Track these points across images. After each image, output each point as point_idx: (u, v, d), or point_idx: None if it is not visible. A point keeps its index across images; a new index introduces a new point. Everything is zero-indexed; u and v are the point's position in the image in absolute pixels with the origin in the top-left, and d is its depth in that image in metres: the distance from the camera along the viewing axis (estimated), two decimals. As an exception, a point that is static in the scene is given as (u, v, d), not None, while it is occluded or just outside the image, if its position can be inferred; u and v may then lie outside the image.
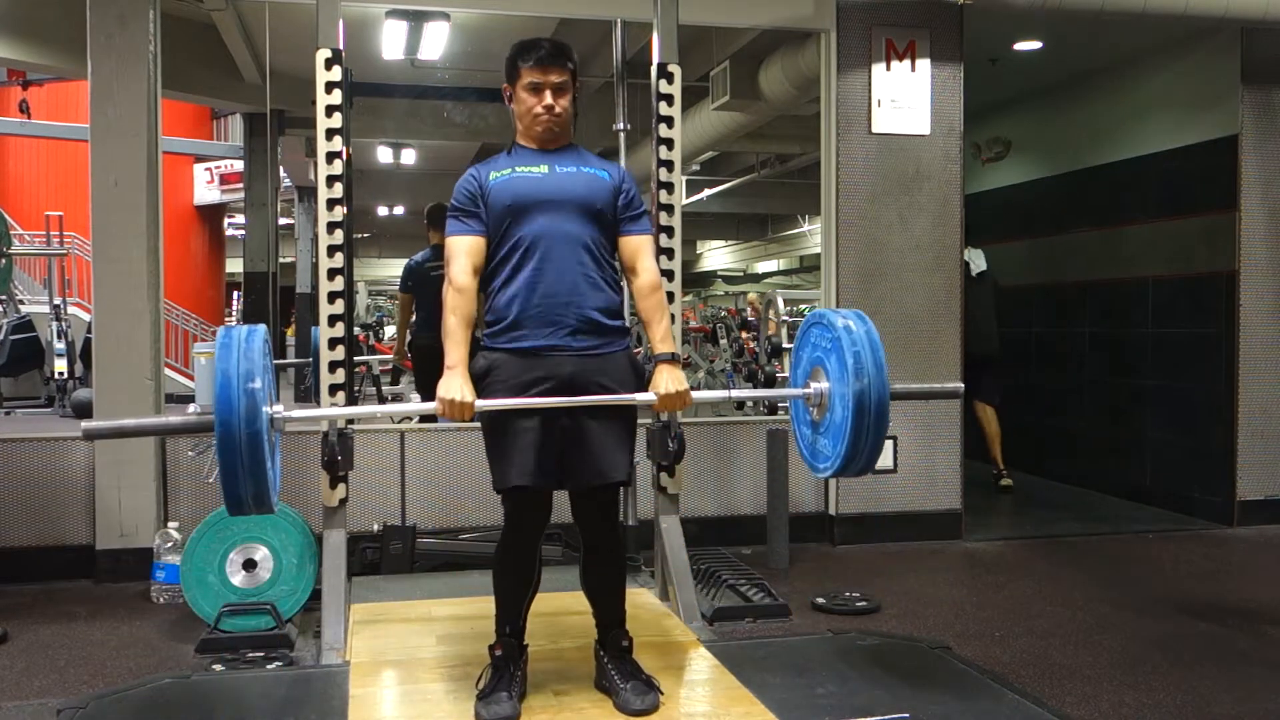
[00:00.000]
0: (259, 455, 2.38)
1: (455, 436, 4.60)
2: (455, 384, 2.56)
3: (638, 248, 2.79)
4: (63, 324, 10.42)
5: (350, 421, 3.58)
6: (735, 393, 3.03)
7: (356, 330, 8.50)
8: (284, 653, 3.36)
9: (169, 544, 4.10)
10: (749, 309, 10.50)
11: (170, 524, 4.22)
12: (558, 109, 2.72)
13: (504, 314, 2.67)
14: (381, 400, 8.54)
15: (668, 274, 3.66)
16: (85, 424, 2.63)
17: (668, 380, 2.68)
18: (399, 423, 5.94)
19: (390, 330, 11.06)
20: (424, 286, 5.62)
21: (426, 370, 5.93)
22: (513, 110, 2.80)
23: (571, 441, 2.64)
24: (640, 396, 2.68)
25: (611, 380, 2.67)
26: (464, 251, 2.68)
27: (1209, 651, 3.51)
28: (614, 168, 2.82)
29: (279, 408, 2.55)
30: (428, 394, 6.01)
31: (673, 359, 2.72)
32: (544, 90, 2.69)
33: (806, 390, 2.83)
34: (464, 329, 2.62)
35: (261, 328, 2.54)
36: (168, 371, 4.82)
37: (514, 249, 2.67)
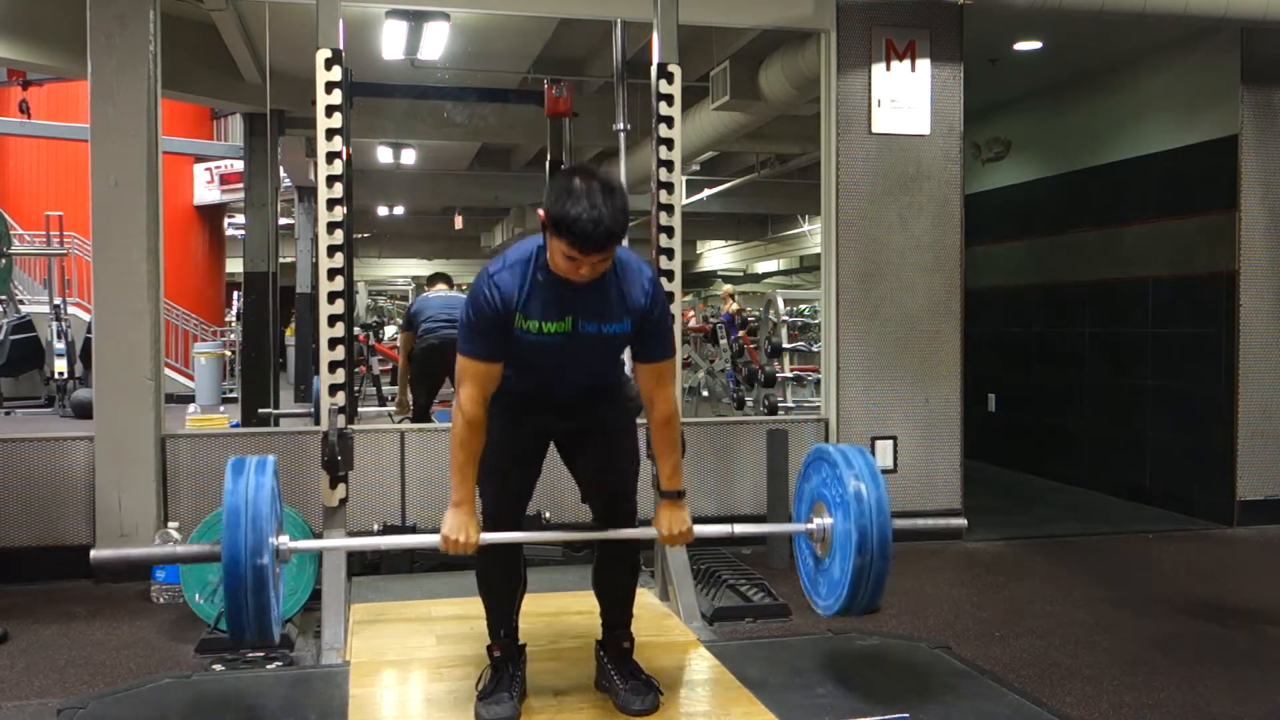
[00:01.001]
0: (264, 599, 2.47)
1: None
2: (459, 522, 2.54)
3: (656, 377, 2.63)
4: (63, 324, 10.42)
5: (350, 420, 3.58)
6: (739, 528, 2.99)
7: (356, 330, 8.49)
8: (284, 653, 3.36)
9: (169, 544, 4.10)
10: (724, 304, 10.38)
11: (170, 524, 4.22)
12: (594, 275, 2.44)
13: (507, 383, 2.59)
14: (381, 399, 8.55)
15: (668, 274, 3.66)
16: (95, 554, 2.74)
17: (671, 520, 2.67)
18: (398, 422, 5.95)
19: (391, 330, 11.11)
20: (424, 310, 6.10)
21: (427, 369, 6.03)
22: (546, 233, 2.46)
23: (579, 457, 2.73)
24: (645, 532, 2.72)
25: (604, 412, 2.72)
26: (478, 380, 2.51)
27: (1209, 651, 3.51)
28: (637, 299, 2.53)
29: (284, 538, 2.61)
30: (422, 390, 6.12)
31: (679, 496, 2.69)
32: (583, 265, 2.39)
33: (809, 526, 2.84)
34: (472, 466, 2.55)
35: (269, 476, 2.54)
36: (168, 371, 4.83)
37: (530, 365, 2.58)
